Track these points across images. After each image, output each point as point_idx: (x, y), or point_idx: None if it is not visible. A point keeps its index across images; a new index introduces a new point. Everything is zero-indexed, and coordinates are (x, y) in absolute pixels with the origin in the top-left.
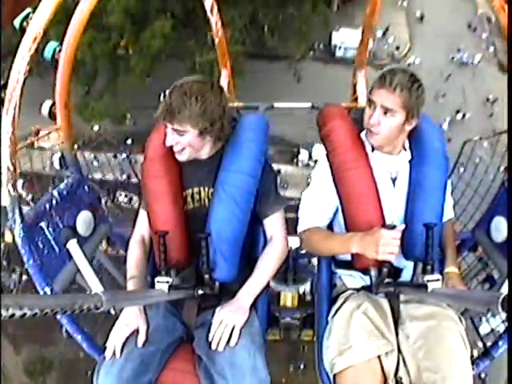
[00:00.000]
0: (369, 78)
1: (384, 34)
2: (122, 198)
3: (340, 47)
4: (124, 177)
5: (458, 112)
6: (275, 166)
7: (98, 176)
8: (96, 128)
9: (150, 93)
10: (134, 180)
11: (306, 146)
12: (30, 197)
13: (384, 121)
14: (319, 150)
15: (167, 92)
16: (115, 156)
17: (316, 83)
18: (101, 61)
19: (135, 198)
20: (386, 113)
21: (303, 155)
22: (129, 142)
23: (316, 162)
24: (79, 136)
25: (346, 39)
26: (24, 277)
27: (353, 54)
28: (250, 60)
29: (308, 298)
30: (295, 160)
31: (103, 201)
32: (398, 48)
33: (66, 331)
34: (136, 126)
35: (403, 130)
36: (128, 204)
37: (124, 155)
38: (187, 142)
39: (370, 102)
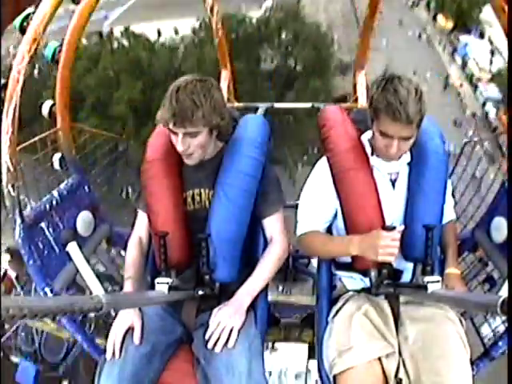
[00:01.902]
0: None
1: None
2: None
3: None
4: None
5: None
6: None
7: None
8: None
9: None
10: None
11: None
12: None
13: (402, 146)
14: None
15: (169, 93)
16: None
17: None
18: (99, 151)
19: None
20: (403, 139)
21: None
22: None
23: None
24: None
25: None
26: None
27: None
28: None
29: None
30: None
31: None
32: None
33: None
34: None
35: None
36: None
37: None
38: (199, 143)
39: (383, 133)
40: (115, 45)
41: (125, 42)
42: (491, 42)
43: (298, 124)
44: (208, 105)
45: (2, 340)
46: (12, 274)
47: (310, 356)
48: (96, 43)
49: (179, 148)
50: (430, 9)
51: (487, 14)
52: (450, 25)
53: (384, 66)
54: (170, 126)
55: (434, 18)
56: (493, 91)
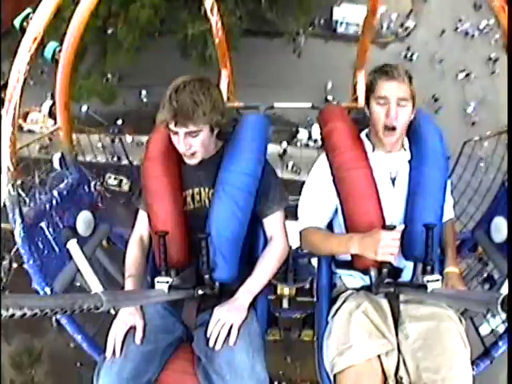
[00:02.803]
0: (372, 56)
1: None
2: (111, 180)
3: (341, 23)
4: (114, 159)
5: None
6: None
7: (87, 158)
8: (84, 108)
9: (141, 71)
10: (124, 162)
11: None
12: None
13: (400, 113)
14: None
15: (168, 94)
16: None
17: (317, 61)
18: (89, 37)
19: (125, 181)
20: (399, 104)
21: (302, 135)
22: (119, 122)
23: (315, 141)
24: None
25: (347, 14)
26: (14, 264)
27: (355, 31)
28: (246, 36)
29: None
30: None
31: (92, 183)
32: (401, 25)
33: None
34: (126, 105)
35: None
36: (117, 187)
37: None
38: (200, 141)
39: (380, 98)
40: None
41: None
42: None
43: None
44: (208, 103)
45: None
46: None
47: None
48: None
49: (181, 148)
50: None
51: None
52: None
53: None
54: (171, 126)
55: None
56: None
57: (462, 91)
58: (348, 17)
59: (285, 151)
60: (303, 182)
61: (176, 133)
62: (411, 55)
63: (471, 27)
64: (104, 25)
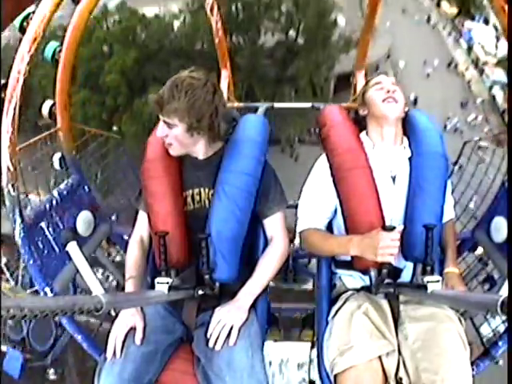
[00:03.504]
0: None
1: None
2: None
3: None
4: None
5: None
6: None
7: None
8: None
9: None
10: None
11: None
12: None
13: (396, 95)
14: None
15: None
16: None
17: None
18: (92, 123)
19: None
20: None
21: None
22: (113, 217)
23: None
24: None
25: None
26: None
27: None
28: None
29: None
30: None
31: None
32: None
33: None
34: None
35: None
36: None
37: None
38: (174, 135)
39: (376, 84)
40: (110, 20)
41: (120, 16)
42: (496, 28)
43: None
44: (184, 101)
45: None
46: (2, 259)
47: (313, 345)
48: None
49: (157, 133)
50: None
51: None
52: (453, 10)
53: (387, 51)
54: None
55: (438, 4)
56: (499, 75)
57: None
58: None
59: None
60: None
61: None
62: None
63: (459, 122)
64: (110, 118)
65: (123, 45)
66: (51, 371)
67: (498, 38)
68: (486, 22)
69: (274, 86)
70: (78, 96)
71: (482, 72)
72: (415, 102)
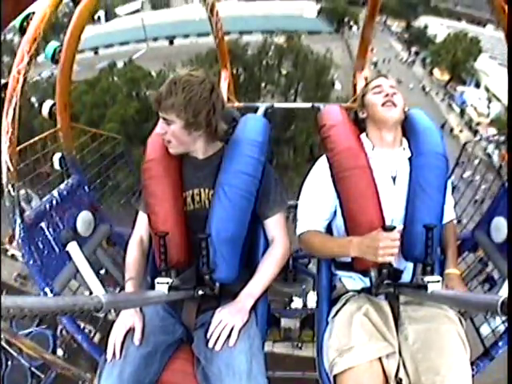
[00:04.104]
0: None
1: None
2: None
3: None
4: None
5: None
6: None
7: None
8: None
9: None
10: None
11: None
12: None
13: (395, 98)
14: None
15: None
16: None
17: None
18: (88, 170)
19: None
20: (391, 89)
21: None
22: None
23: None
24: None
25: None
26: None
27: None
28: None
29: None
30: None
31: None
32: None
33: None
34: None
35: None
36: None
37: None
38: (172, 132)
39: (375, 88)
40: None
41: (125, 70)
42: (487, 90)
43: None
44: (181, 97)
45: None
46: None
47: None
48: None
49: (156, 129)
50: (426, 64)
51: (482, 63)
52: (446, 77)
53: None
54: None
55: (431, 73)
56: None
57: None
58: None
59: None
60: None
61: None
62: None
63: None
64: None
65: (126, 96)
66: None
67: (489, 100)
68: (478, 85)
69: (273, 145)
70: (75, 141)
71: (475, 133)
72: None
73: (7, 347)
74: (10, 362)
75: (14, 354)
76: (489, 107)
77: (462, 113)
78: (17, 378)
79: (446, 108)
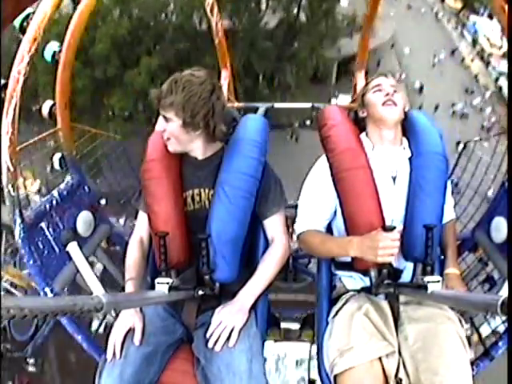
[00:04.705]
0: None
1: None
2: None
3: None
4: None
5: None
6: None
7: None
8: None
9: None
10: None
11: None
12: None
13: (395, 94)
14: None
15: None
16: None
17: (314, 152)
18: (81, 96)
19: None
20: (392, 89)
21: None
22: (102, 202)
23: None
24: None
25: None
26: None
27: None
28: None
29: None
30: None
31: None
32: None
33: None
34: (111, 186)
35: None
36: None
37: None
38: (171, 130)
39: (375, 86)
40: None
41: None
42: (500, 21)
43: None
44: (181, 96)
45: None
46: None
47: (314, 340)
48: None
49: (156, 127)
50: None
51: None
52: (458, 5)
53: (391, 34)
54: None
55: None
56: (506, 67)
57: None
58: None
59: None
60: None
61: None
62: None
63: (465, 107)
64: (100, 92)
65: (117, 17)
66: (31, 362)
67: (502, 32)
68: (491, 16)
69: (275, 62)
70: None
71: (488, 64)
72: (421, 89)
73: (12, 289)
74: None
75: (19, 294)
76: (502, 39)
77: (474, 42)
78: (21, 323)
79: (458, 36)
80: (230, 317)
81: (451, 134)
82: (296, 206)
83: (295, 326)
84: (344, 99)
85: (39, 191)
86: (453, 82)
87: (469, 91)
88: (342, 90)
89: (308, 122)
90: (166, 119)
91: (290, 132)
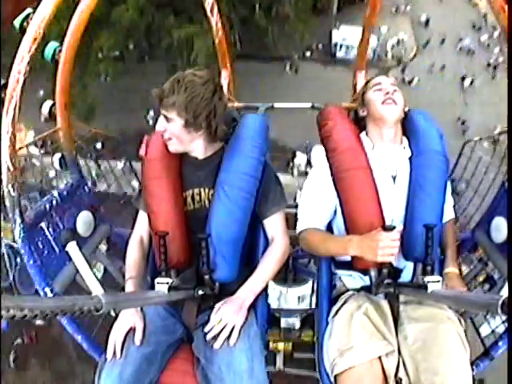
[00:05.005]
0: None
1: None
2: None
3: (341, 46)
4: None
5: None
6: None
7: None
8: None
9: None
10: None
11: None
12: None
13: (395, 93)
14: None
15: None
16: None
17: (315, 86)
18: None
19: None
20: (392, 87)
21: (300, 159)
22: (98, 145)
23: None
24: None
25: (347, 36)
26: None
27: (355, 54)
28: (242, 61)
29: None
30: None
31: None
32: (405, 50)
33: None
34: (107, 128)
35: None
36: None
37: None
38: (172, 131)
39: (375, 85)
40: None
41: None
42: (500, 21)
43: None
44: (183, 97)
45: None
46: None
47: (314, 339)
48: None
49: (157, 127)
50: None
51: None
52: None
53: None
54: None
55: None
56: None
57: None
58: (348, 39)
59: None
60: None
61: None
62: (411, 80)
63: (472, 43)
64: (86, 29)
65: None
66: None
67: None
68: None
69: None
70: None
71: None
72: (427, 22)
73: (15, 245)
74: (18, 260)
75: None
76: None
77: None
78: (26, 276)
79: None
80: (231, 315)
81: (457, 69)
82: (296, 206)
83: (295, 325)
84: (345, 30)
85: (35, 145)
86: (460, 18)
87: (476, 27)
88: (344, 20)
89: (308, 54)
90: (167, 119)
91: (288, 64)
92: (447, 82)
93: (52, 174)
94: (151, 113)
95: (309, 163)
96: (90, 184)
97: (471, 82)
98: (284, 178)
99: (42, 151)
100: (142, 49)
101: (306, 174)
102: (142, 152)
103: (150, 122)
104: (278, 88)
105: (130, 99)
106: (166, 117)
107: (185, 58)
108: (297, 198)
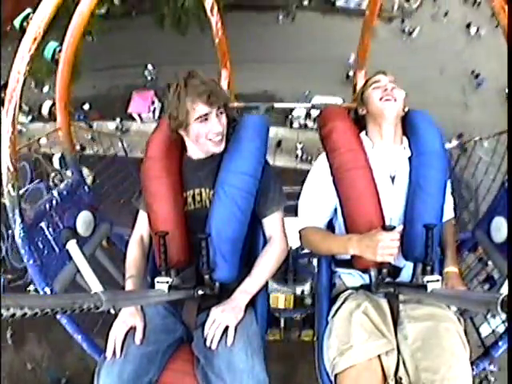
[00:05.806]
0: (377, 29)
1: None
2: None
3: None
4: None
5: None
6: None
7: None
8: (46, 89)
9: (112, 51)
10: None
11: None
12: None
13: (395, 90)
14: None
15: (176, 91)
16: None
17: (313, 35)
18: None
19: (86, 172)
20: (391, 84)
21: (299, 112)
22: (86, 107)
23: (315, 120)
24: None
25: None
26: None
27: (356, 3)
28: (237, 11)
29: (307, 300)
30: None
31: (51, 175)
32: (408, 0)
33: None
34: (95, 88)
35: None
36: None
37: None
38: (225, 123)
39: (374, 83)
40: None
41: None
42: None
43: None
44: (220, 88)
45: None
46: None
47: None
48: None
49: (217, 129)
50: None
51: None
52: None
53: None
54: (205, 109)
55: None
56: None
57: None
58: None
59: (279, 143)
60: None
61: (206, 118)
62: (412, 30)
63: None
64: None
65: None
66: (32, 288)
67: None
68: None
69: None
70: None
71: None
72: None
73: None
74: (10, 232)
75: None
76: None
77: None
78: (18, 252)
79: None
80: (222, 315)
81: (461, 20)
82: (296, 207)
83: (295, 325)
84: None
85: (23, 112)
86: None
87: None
88: None
89: (306, 3)
90: (221, 113)
91: (284, 12)
92: (453, 31)
93: (43, 141)
94: (149, 67)
95: (308, 115)
96: (78, 148)
97: (477, 30)
98: (284, 130)
99: (29, 118)
100: (129, 3)
101: (306, 126)
102: (130, 109)
103: (148, 78)
104: (274, 39)
105: (118, 56)
106: (220, 112)
107: (171, 5)
108: (297, 154)
